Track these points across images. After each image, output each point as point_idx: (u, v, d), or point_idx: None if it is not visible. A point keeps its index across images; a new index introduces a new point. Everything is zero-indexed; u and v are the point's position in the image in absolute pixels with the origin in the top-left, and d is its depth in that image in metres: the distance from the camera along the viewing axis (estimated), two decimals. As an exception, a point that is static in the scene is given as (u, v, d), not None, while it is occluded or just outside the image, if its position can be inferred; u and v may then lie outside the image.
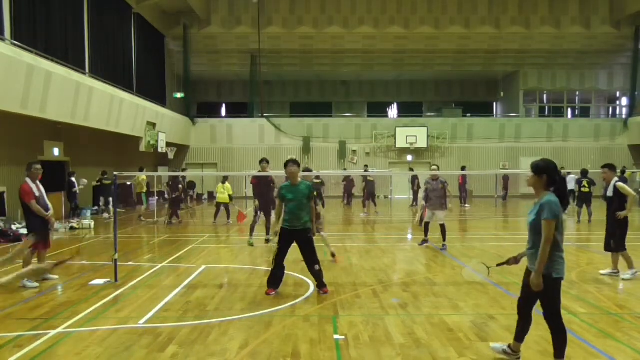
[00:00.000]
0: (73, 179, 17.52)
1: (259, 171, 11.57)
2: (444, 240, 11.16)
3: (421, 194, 12.18)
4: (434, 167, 11.73)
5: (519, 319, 4.77)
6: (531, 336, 5.45)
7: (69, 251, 11.47)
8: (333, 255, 9.91)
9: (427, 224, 11.47)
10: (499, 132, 29.80)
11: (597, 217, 17.12)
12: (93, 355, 4.99)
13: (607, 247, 8.45)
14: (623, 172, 20.83)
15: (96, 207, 18.86)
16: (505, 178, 26.44)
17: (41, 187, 8.14)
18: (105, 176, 18.52)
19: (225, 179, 16.42)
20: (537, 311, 6.36)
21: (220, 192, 16.23)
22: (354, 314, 6.36)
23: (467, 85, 36.69)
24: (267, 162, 11.63)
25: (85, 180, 18.04)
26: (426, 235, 11.48)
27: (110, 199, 18.69)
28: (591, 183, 16.14)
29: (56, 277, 8.39)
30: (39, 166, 8.20)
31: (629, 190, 8.19)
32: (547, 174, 4.41)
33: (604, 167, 8.56)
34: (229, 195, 16.15)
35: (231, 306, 6.69)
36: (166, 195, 16.40)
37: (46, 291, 7.60)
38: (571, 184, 22.58)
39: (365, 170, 23.54)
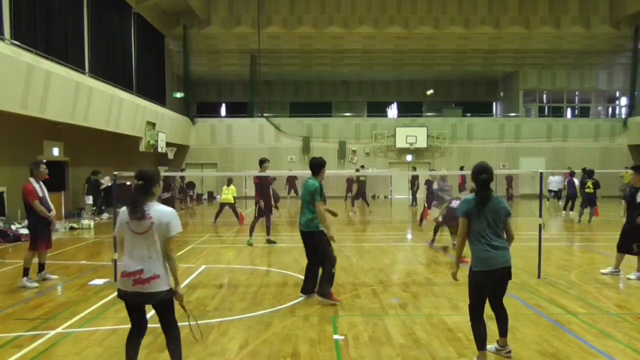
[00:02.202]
0: (98, 178, 17.82)
1: (260, 171, 11.54)
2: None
3: (421, 194, 12.55)
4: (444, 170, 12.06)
5: (495, 315, 4.89)
6: (530, 336, 5.48)
7: (67, 251, 11.47)
8: None
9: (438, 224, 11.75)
10: (499, 132, 29.80)
11: (601, 217, 17.09)
12: (93, 355, 4.99)
13: (622, 249, 8.33)
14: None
15: (95, 207, 18.82)
16: (509, 178, 26.51)
17: (44, 187, 8.15)
18: (94, 176, 18.41)
19: (230, 182, 16.38)
20: (536, 310, 6.39)
21: (224, 193, 16.16)
22: (353, 314, 6.37)
23: (467, 85, 36.69)
24: (269, 162, 11.63)
25: (107, 178, 18.17)
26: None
27: (91, 197, 18.55)
28: (596, 185, 15.91)
29: (56, 277, 8.40)
30: (45, 166, 8.20)
31: None
32: (471, 176, 4.87)
33: (633, 168, 8.31)
34: (233, 197, 16.05)
35: (231, 306, 6.69)
36: (166, 195, 16.34)
37: (46, 291, 7.60)
38: (552, 185, 22.69)
39: (357, 170, 23.54)
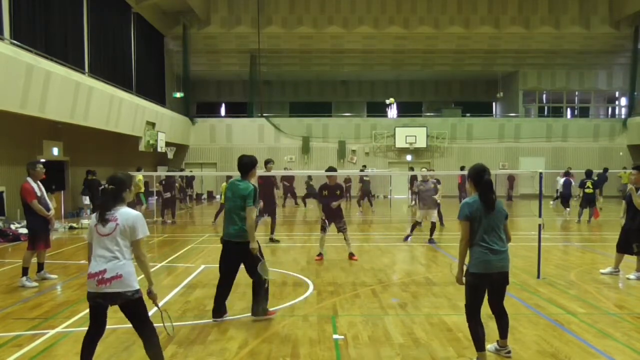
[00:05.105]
0: (97, 177, 17.94)
1: (264, 171, 11.58)
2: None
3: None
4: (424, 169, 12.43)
5: (495, 318, 4.87)
6: (530, 336, 5.48)
7: (66, 251, 11.46)
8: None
9: (418, 223, 12.43)
10: (499, 132, 29.80)
11: (601, 217, 17.09)
12: (92, 354, 4.98)
13: (622, 249, 8.31)
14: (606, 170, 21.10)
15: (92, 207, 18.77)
16: (511, 178, 26.56)
17: (42, 186, 8.14)
18: (91, 175, 18.35)
19: (228, 179, 16.23)
20: (536, 310, 6.39)
21: (225, 193, 15.95)
22: (353, 313, 6.36)
23: (466, 85, 36.69)
24: (273, 162, 11.74)
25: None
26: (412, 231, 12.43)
27: (88, 197, 18.48)
28: (595, 185, 15.97)
29: (55, 276, 8.39)
30: (41, 166, 8.20)
31: None
32: (470, 178, 4.69)
33: (634, 168, 8.28)
34: None
35: (230, 306, 6.67)
36: (168, 195, 16.31)
37: (45, 291, 7.60)
38: (559, 185, 22.67)
39: (362, 169, 23.59)
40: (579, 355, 4.95)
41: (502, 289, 4.75)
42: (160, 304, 6.62)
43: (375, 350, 5.09)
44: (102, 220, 4.03)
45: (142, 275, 4.21)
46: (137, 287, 4.08)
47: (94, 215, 4.15)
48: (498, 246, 4.57)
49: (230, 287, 6.20)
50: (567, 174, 18.22)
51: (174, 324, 5.87)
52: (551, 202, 18.94)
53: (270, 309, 6.28)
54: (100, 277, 3.96)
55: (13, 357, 4.93)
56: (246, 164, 6.06)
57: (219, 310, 6.11)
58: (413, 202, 23.37)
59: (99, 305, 4.12)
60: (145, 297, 4.25)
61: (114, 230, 4.00)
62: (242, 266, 6.26)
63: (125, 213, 4.07)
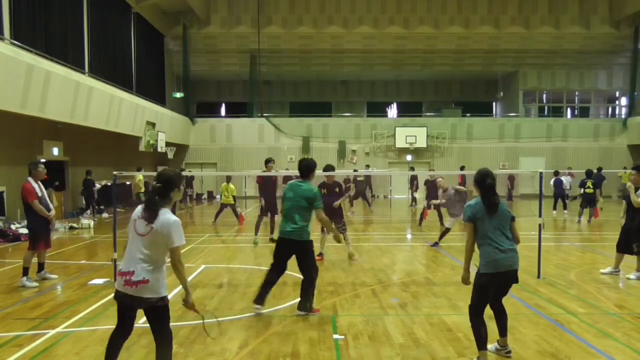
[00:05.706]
0: (92, 177, 17.90)
1: (264, 171, 11.61)
2: None
3: (420, 194, 12.39)
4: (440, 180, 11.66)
5: (494, 315, 4.90)
6: (530, 336, 5.48)
7: (67, 251, 11.46)
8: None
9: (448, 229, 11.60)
10: (499, 132, 29.79)
11: (601, 217, 17.09)
12: (92, 354, 4.99)
13: (622, 249, 8.29)
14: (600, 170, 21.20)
15: (90, 208, 18.75)
16: (511, 178, 26.59)
17: (42, 187, 8.14)
18: (88, 175, 18.31)
19: (228, 179, 16.21)
20: (536, 310, 6.39)
21: (225, 195, 15.90)
22: (353, 313, 6.37)
23: (466, 85, 36.69)
24: (273, 162, 11.70)
25: (104, 181, 18.26)
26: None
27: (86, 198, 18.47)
28: (596, 185, 16.01)
29: (55, 276, 8.39)
30: (43, 166, 8.20)
31: None
32: (474, 182, 4.83)
33: (634, 168, 8.26)
34: (233, 196, 15.85)
35: (231, 306, 6.69)
36: None
37: (45, 291, 7.60)
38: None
39: (355, 170, 23.57)
40: (579, 355, 4.95)
41: (508, 287, 4.81)
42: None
43: (375, 350, 5.10)
44: (146, 216, 3.82)
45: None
46: (165, 294, 3.89)
47: (140, 206, 3.97)
48: (506, 245, 4.64)
49: (279, 277, 6.39)
50: (556, 174, 18.28)
51: (175, 324, 5.88)
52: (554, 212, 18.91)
53: (315, 307, 6.34)
54: (127, 277, 3.82)
55: (13, 357, 4.93)
56: (308, 166, 6.41)
57: (262, 297, 6.28)
58: (413, 203, 23.40)
59: (126, 305, 3.95)
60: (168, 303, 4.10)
61: (148, 234, 3.82)
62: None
63: (164, 218, 3.82)
